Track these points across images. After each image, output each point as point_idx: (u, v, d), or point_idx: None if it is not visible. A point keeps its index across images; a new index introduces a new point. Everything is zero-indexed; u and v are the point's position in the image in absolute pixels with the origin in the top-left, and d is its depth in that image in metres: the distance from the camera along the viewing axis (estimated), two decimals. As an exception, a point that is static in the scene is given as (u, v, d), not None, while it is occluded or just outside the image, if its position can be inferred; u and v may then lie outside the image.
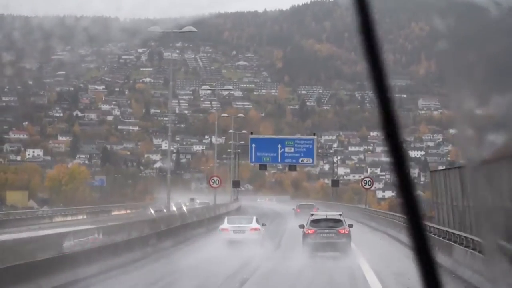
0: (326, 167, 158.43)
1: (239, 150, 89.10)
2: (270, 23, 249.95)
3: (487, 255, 15.48)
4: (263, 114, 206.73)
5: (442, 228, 31.46)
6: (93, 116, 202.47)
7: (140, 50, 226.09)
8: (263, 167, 70.65)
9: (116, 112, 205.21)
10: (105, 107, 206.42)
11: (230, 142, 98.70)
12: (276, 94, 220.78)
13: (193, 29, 49.73)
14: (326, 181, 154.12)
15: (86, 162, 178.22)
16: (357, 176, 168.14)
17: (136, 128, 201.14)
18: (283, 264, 28.86)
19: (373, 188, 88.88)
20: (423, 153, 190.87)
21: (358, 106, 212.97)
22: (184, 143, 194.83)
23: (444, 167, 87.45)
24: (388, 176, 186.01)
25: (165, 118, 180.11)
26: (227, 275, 25.37)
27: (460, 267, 24.03)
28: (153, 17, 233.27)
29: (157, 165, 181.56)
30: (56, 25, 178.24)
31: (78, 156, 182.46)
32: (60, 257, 21.12)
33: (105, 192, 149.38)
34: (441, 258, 25.87)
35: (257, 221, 38.29)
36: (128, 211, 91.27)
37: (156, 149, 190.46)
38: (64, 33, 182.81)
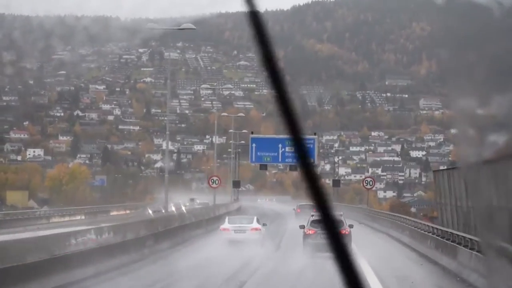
0: (327, 167, 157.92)
1: (239, 150, 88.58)
2: (271, 23, 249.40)
3: (485, 255, 15.15)
4: (264, 114, 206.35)
5: (446, 229, 30.88)
6: (93, 115, 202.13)
7: (141, 50, 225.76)
8: (263, 167, 70.20)
9: (117, 112, 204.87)
10: (106, 106, 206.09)
11: (231, 142, 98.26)
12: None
13: (192, 26, 49.44)
14: (327, 181, 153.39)
15: (87, 162, 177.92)
16: (358, 176, 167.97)
17: (137, 128, 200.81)
18: (284, 265, 28.77)
19: (374, 188, 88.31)
20: (424, 153, 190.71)
21: (359, 106, 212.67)
22: (185, 143, 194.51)
23: (445, 167, 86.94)
24: (389, 176, 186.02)
25: (165, 118, 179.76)
26: (227, 275, 25.21)
27: (465, 270, 23.46)
28: (154, 16, 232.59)
29: (158, 165, 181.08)
30: (57, 24, 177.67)
31: (78, 156, 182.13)
32: (52, 259, 20.44)
33: (106, 192, 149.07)
34: (445, 260, 25.36)
35: (258, 221, 38.49)
36: (128, 211, 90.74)
37: (157, 149, 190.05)
38: (65, 32, 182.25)
